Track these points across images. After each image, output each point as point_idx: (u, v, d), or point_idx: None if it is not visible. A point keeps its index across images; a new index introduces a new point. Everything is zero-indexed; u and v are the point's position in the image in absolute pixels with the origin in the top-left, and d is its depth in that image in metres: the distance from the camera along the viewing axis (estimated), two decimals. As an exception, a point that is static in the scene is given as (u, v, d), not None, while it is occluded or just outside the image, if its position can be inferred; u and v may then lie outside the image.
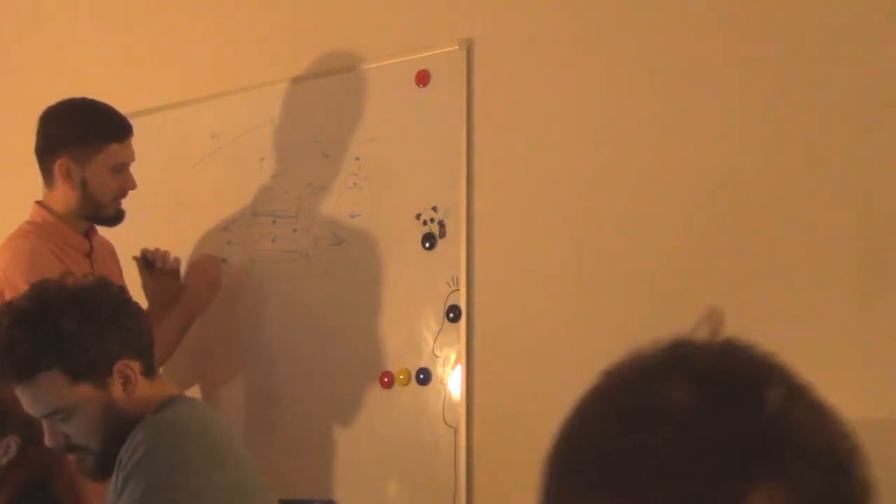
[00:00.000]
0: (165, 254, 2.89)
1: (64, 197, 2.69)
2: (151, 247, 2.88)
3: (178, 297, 2.89)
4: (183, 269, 2.97)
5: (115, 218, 2.73)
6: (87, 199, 2.68)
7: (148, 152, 2.77)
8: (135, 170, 2.72)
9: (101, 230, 2.81)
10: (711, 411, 0.68)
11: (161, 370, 2.25)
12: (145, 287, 2.86)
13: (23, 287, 2.16)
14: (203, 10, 3.22)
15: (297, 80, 2.96)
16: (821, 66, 2.25)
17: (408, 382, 2.67)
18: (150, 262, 2.87)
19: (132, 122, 2.73)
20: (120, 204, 2.72)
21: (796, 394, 0.72)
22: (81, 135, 2.66)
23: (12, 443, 2.29)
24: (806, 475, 0.68)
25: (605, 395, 0.74)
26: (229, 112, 3.07)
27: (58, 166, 2.66)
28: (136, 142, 2.73)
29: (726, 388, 0.70)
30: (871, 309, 2.16)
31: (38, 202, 2.74)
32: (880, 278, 2.17)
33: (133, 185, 2.72)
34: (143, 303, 2.77)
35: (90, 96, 2.73)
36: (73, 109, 2.71)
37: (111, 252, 2.88)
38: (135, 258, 2.88)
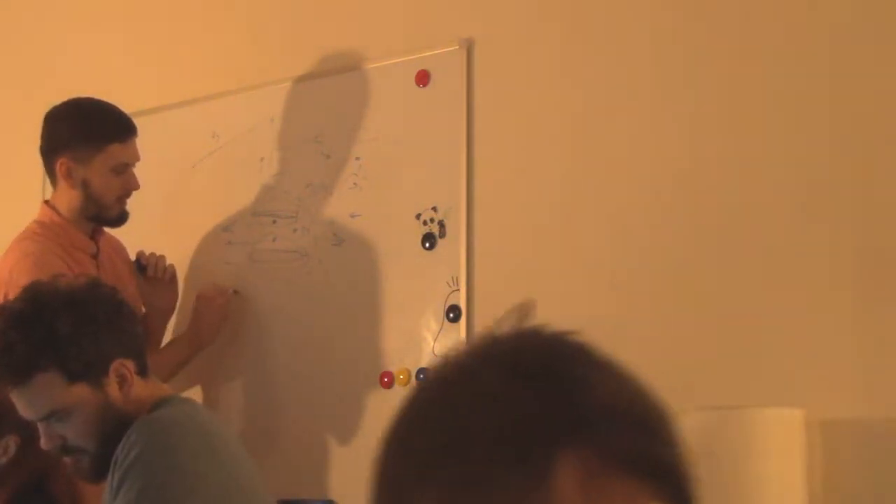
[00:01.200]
0: (160, 259, 2.86)
1: (67, 197, 2.68)
2: (148, 250, 2.87)
3: (174, 305, 2.88)
4: (184, 271, 2.97)
5: (119, 219, 2.72)
6: (89, 200, 2.67)
7: (148, 152, 2.76)
8: (135, 170, 2.71)
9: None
10: (517, 388, 0.76)
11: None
12: (140, 291, 2.83)
13: None
14: (203, 10, 3.22)
15: (297, 80, 2.95)
16: (817, 65, 2.25)
17: (408, 382, 2.66)
18: (143, 267, 2.85)
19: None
20: (124, 204, 2.70)
21: (598, 365, 0.80)
22: (82, 135, 2.65)
23: (11, 443, 2.29)
24: (611, 434, 0.75)
25: (427, 389, 0.83)
26: (229, 112, 3.06)
27: (58, 166, 2.65)
28: (136, 141, 2.72)
29: (529, 367, 0.78)
30: (869, 309, 2.15)
31: (46, 202, 2.74)
32: (878, 278, 2.17)
33: (136, 186, 2.70)
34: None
35: (91, 96, 2.72)
36: (76, 109, 2.70)
37: (120, 252, 2.86)
38: None
